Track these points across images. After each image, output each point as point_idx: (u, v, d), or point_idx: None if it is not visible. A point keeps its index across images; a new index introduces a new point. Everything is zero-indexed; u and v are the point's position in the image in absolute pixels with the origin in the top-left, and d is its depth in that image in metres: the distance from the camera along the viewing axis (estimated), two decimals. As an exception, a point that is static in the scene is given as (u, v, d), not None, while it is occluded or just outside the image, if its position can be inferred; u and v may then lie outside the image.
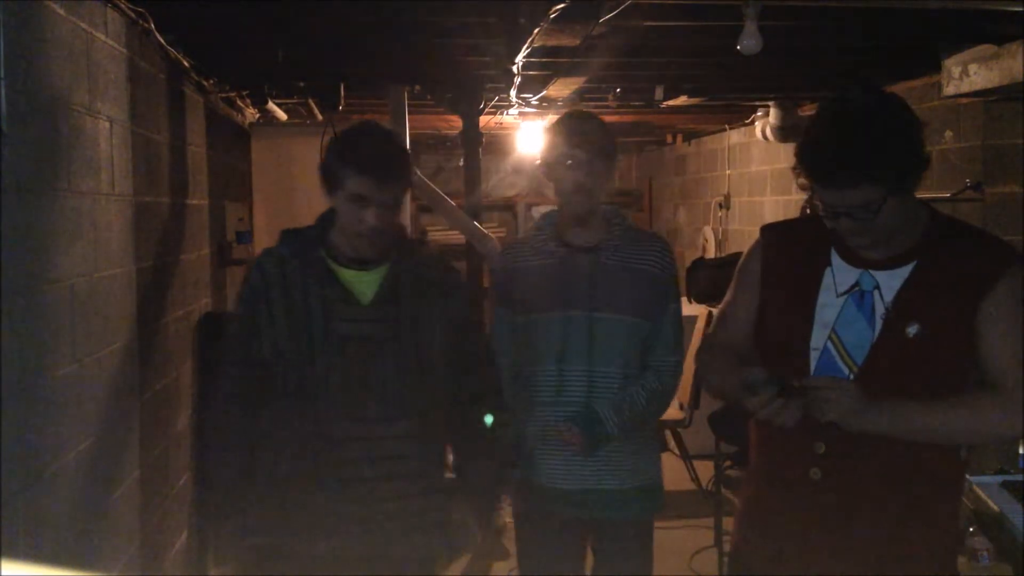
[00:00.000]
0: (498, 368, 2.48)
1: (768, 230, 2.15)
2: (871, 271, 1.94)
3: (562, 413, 2.52)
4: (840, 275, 1.97)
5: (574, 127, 2.55)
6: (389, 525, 2.21)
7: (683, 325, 2.62)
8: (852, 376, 1.90)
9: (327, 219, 2.26)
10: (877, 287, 1.93)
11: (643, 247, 2.58)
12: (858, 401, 1.84)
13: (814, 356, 1.94)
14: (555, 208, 2.66)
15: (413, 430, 2.23)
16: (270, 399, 2.20)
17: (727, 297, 2.18)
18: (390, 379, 2.19)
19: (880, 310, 1.91)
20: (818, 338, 1.94)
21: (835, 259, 1.98)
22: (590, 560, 2.70)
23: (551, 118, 5.90)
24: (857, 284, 1.95)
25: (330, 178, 2.18)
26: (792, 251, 2.07)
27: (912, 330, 1.88)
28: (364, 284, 2.21)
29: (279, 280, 2.19)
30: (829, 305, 1.95)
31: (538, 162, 2.64)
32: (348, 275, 2.21)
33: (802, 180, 1.90)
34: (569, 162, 2.51)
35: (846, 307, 1.94)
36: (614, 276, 2.53)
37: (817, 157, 1.83)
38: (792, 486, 1.97)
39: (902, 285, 1.91)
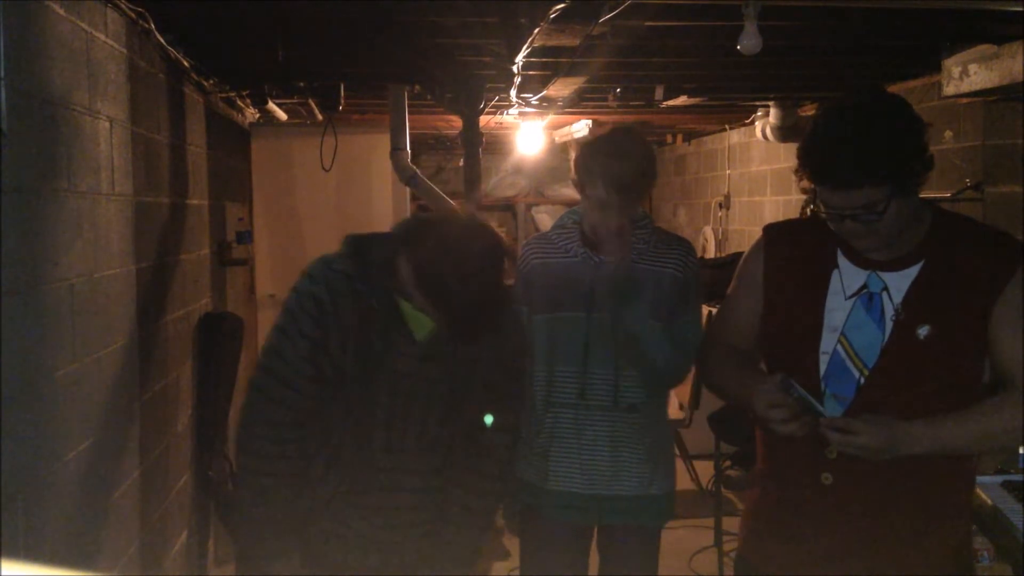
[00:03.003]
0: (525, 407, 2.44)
1: (771, 230, 2.12)
2: (878, 272, 1.92)
3: (583, 416, 2.50)
4: (848, 277, 1.94)
5: (624, 150, 2.46)
6: (408, 556, 2.24)
7: (701, 329, 2.55)
8: (863, 379, 1.89)
9: (396, 248, 2.09)
10: (885, 288, 1.91)
11: (669, 250, 2.54)
12: (887, 440, 1.81)
13: (823, 360, 1.92)
14: (576, 207, 2.61)
15: (443, 464, 2.24)
16: (319, 419, 2.14)
17: (727, 297, 2.17)
18: (431, 417, 2.19)
19: (889, 312, 1.89)
20: (827, 342, 1.93)
21: (842, 261, 1.96)
22: (593, 562, 2.69)
23: (552, 115, 5.93)
24: (865, 286, 1.92)
25: (419, 284, 2.03)
26: (797, 253, 2.04)
27: (923, 331, 1.86)
28: (422, 320, 2.13)
29: (347, 299, 2.08)
30: (838, 309, 1.93)
31: (573, 175, 2.53)
32: (408, 308, 2.12)
33: (804, 183, 1.88)
34: (614, 185, 2.42)
35: (855, 310, 1.92)
36: (640, 279, 2.48)
37: (820, 158, 1.81)
38: (803, 490, 1.96)
39: (911, 285, 1.89)
